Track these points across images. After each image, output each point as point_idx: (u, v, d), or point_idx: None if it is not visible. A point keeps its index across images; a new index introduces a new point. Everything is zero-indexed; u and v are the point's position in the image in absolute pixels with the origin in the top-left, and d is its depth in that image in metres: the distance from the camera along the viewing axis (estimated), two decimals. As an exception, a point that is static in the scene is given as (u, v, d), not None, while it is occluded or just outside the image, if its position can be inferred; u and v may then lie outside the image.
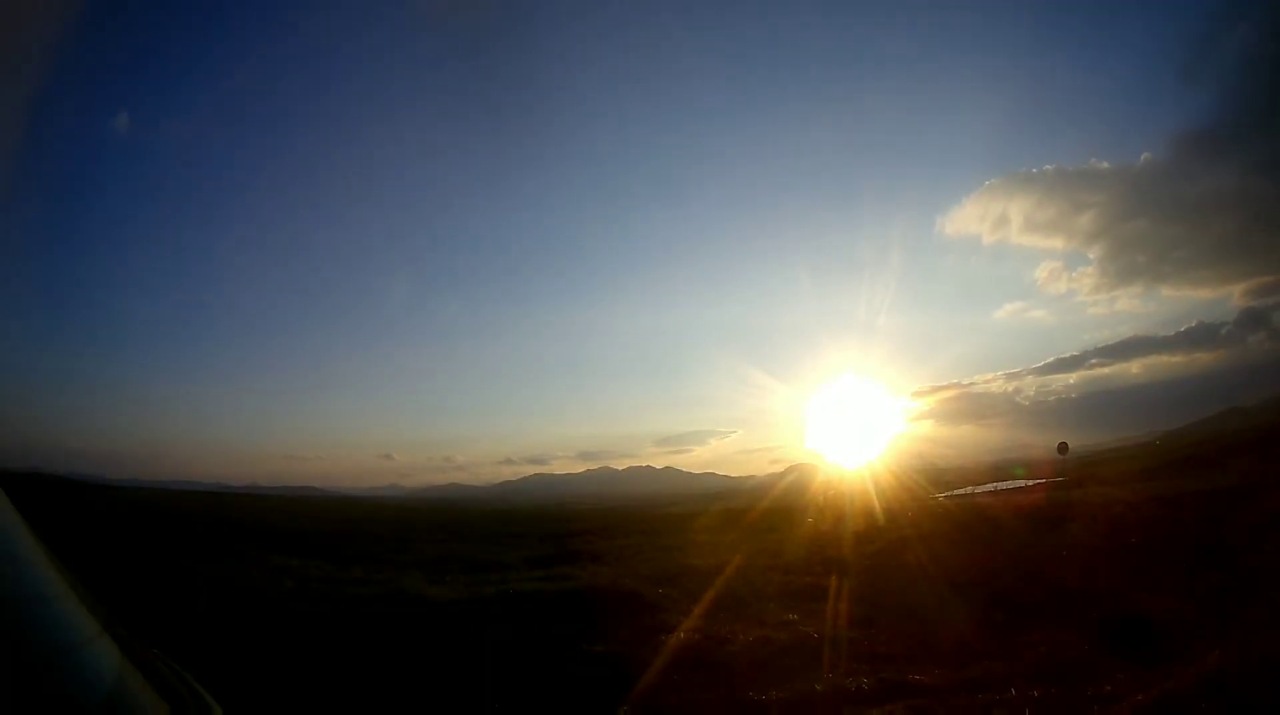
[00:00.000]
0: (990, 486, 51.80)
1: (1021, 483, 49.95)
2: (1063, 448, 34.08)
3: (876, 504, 30.06)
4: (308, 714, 7.22)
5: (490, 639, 10.36)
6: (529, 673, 8.42)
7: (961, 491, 47.26)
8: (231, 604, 12.29)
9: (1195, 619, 8.51)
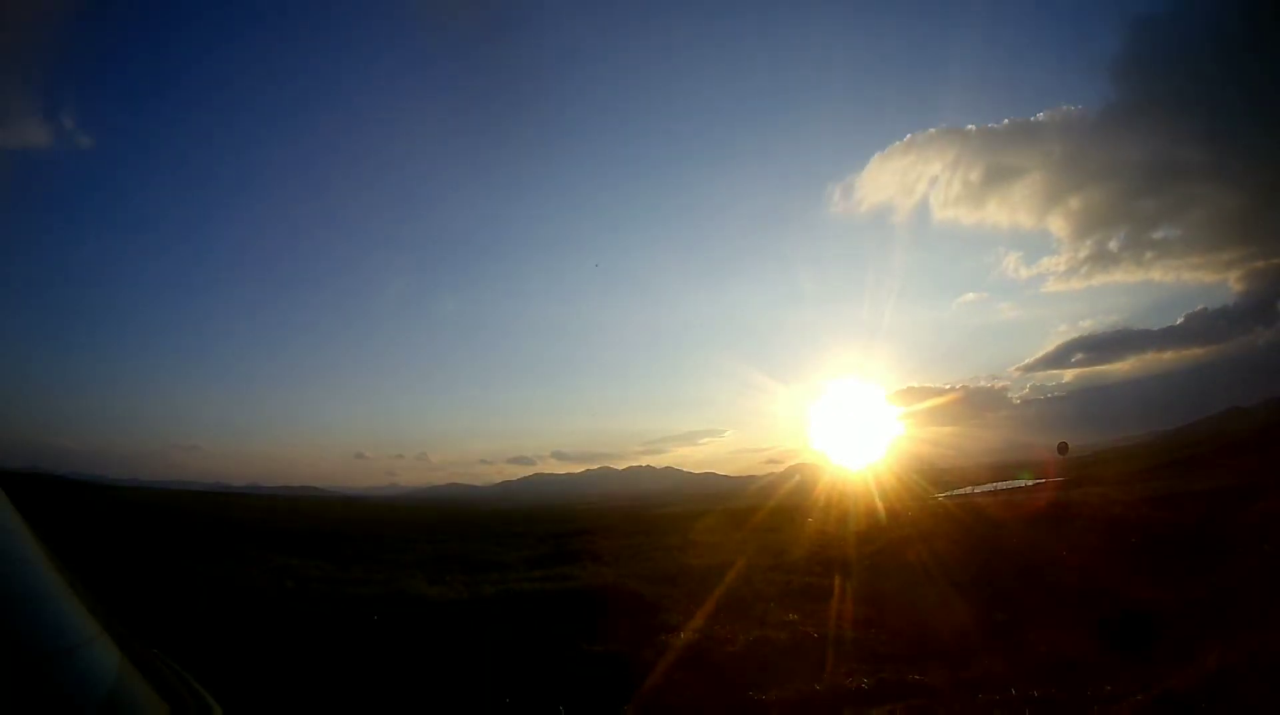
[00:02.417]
0: (990, 486, 51.88)
1: (1021, 483, 50.00)
2: (1062, 448, 34.11)
3: (876, 504, 30.11)
4: (308, 714, 7.22)
5: (490, 639, 10.36)
6: (529, 673, 8.41)
7: (961, 491, 47.31)
8: (231, 604, 12.29)
9: (1195, 619, 8.52)
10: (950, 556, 16.22)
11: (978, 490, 47.55)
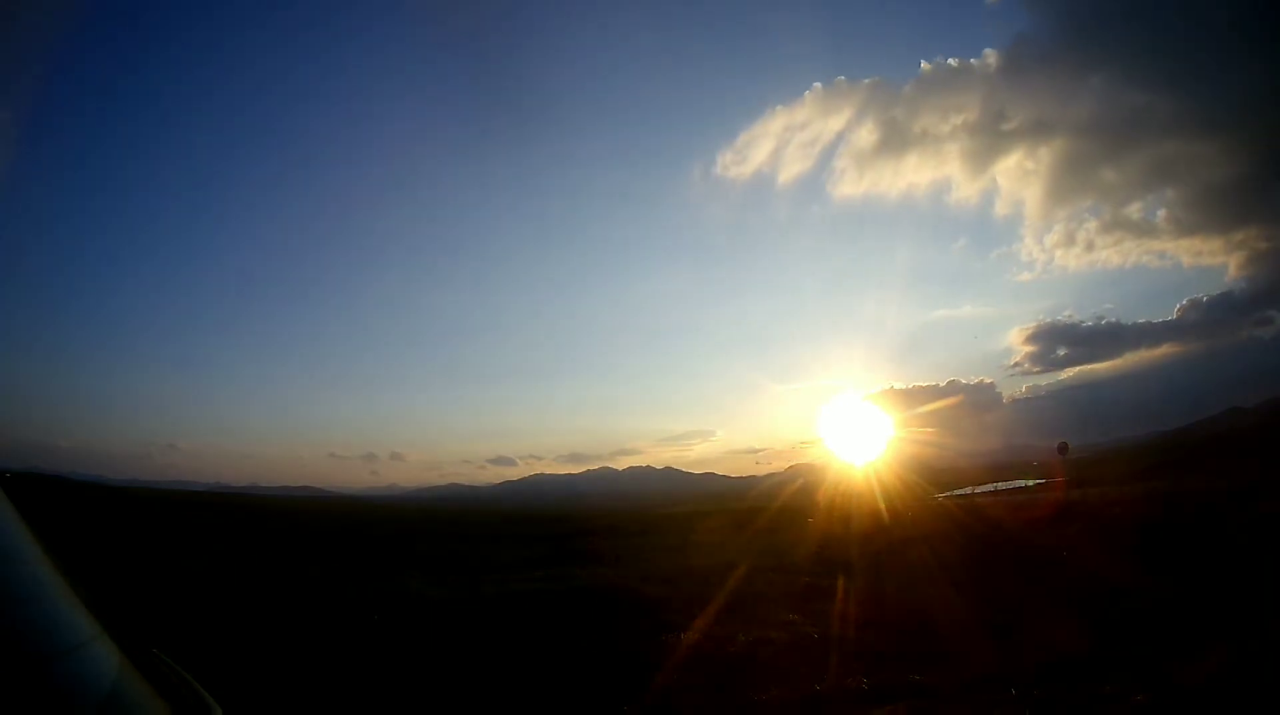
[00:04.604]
0: (990, 487, 51.90)
1: (1022, 483, 50.04)
2: (1063, 448, 34.00)
3: (877, 505, 30.10)
4: (308, 714, 7.22)
5: (490, 639, 10.35)
6: (529, 673, 8.41)
7: (961, 492, 47.32)
8: (232, 604, 12.29)
9: (1195, 619, 8.51)
10: (951, 557, 16.22)
11: (978, 491, 47.59)
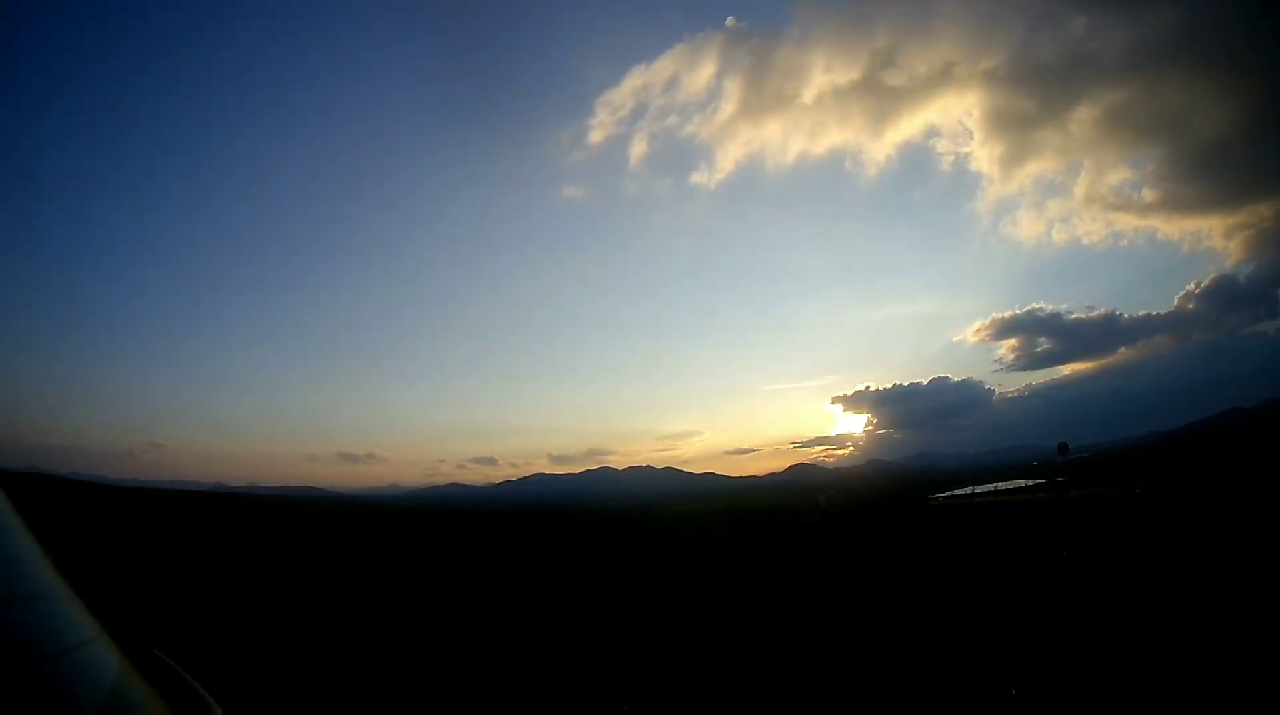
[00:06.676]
0: (990, 487, 51.84)
1: (1021, 483, 49.99)
2: (1063, 448, 34.00)
3: (872, 504, 30.15)
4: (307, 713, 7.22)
5: (489, 637, 10.36)
6: (529, 672, 8.42)
7: (962, 492, 47.30)
8: (235, 603, 12.30)
9: (1194, 619, 8.51)
10: (950, 556, 16.22)
11: (977, 491, 47.52)
